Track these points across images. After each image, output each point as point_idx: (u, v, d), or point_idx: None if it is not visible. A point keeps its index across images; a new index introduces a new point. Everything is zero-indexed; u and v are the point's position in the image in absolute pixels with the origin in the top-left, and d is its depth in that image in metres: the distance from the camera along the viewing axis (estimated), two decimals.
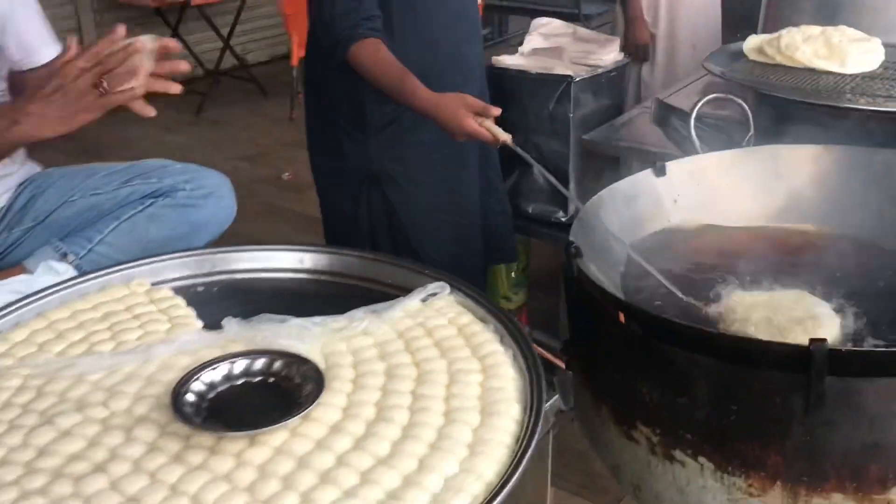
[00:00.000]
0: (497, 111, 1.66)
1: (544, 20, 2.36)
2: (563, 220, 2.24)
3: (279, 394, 1.04)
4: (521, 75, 2.12)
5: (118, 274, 1.33)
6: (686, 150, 2.00)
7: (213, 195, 1.53)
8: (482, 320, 1.23)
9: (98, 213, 1.66)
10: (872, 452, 1.02)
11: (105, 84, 1.19)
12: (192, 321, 1.23)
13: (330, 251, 1.43)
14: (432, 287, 1.29)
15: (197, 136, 4.99)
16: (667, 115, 2.17)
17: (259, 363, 1.08)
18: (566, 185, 2.19)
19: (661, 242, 1.53)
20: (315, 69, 1.93)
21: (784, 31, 1.87)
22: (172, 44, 1.26)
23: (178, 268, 1.38)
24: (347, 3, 1.74)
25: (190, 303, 1.29)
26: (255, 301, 1.32)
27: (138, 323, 1.21)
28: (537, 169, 1.51)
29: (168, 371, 1.08)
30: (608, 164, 2.20)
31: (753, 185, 1.60)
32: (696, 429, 1.12)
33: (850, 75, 1.73)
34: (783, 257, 1.44)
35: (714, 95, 1.66)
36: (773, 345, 1.03)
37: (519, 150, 1.62)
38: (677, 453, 1.15)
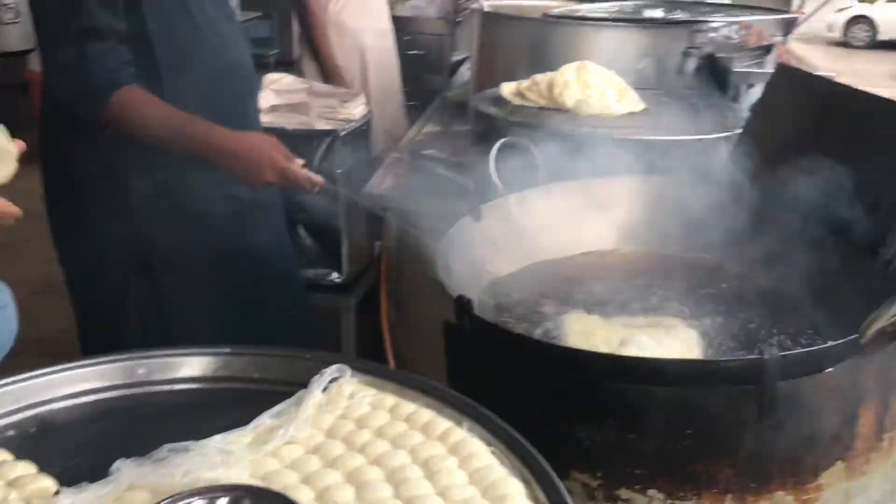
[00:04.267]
0: (302, 161, 1.55)
1: (275, 76, 2.23)
2: (339, 280, 2.13)
3: None
4: (277, 133, 1.96)
5: None
6: (441, 194, 2.04)
7: None
8: (407, 398, 1.09)
9: None
10: (808, 444, 1.11)
11: None
12: (45, 481, 0.91)
13: (177, 353, 1.17)
14: (330, 372, 1.12)
15: None
16: (420, 164, 2.18)
17: None
18: (339, 243, 2.08)
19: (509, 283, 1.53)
20: (57, 140, 1.57)
21: (540, 77, 2.00)
22: None
23: None
24: (100, 44, 1.45)
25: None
26: (92, 434, 1.03)
27: None
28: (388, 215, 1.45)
29: None
30: (377, 217, 2.15)
31: (559, 219, 1.67)
32: (646, 462, 1.11)
33: (619, 115, 1.91)
34: (621, 280, 1.52)
35: (505, 139, 1.70)
36: (725, 362, 1.06)
37: (340, 190, 1.54)
38: (622, 492, 1.14)
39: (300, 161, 1.55)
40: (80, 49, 1.43)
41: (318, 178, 1.51)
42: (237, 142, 1.52)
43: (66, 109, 1.49)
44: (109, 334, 1.65)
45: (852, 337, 1.06)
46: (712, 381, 1.06)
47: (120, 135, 1.53)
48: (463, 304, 1.23)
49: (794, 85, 1.64)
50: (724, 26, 2.23)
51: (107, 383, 1.12)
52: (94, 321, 1.69)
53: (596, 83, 1.92)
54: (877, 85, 12.49)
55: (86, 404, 1.09)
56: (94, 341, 1.69)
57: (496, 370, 1.22)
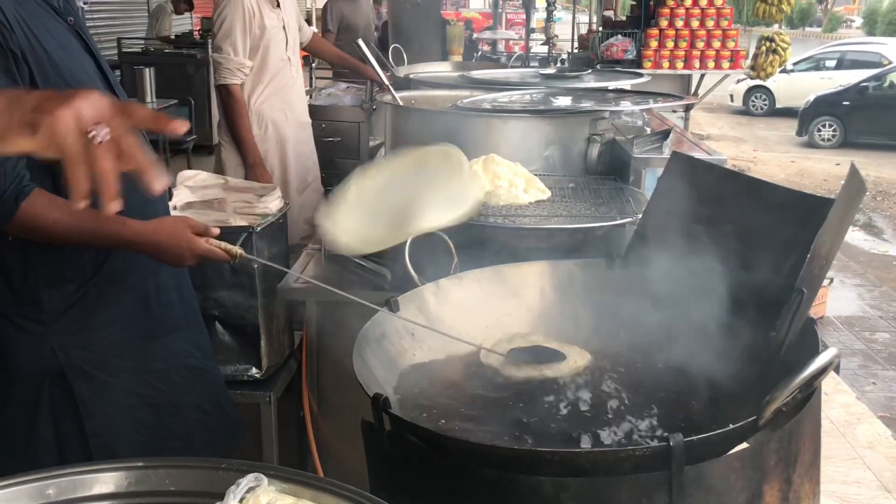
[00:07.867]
0: (217, 230, 1.62)
1: (190, 173, 2.23)
2: (259, 376, 2.10)
3: None
4: None
5: None
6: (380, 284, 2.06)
7: None
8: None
9: None
10: None
11: None
12: None
13: (88, 470, 1.13)
14: (246, 482, 1.11)
15: None
16: (337, 255, 2.20)
17: None
18: (256, 338, 2.07)
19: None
20: None
21: None
22: None
23: None
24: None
25: None
26: None
27: None
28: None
29: None
30: (295, 310, 2.15)
31: (474, 307, 1.71)
32: None
33: (527, 204, 1.98)
34: None
35: None
36: (633, 450, 1.10)
37: (258, 259, 1.63)
38: None
39: (216, 230, 1.62)
40: None
41: (236, 249, 1.59)
42: (153, 234, 1.56)
43: None
44: (19, 458, 1.58)
45: (751, 419, 1.11)
46: (623, 468, 1.09)
47: (30, 242, 1.52)
48: (379, 403, 1.24)
49: (688, 171, 1.73)
50: (625, 113, 2.35)
51: None
52: (2, 441, 1.61)
53: (504, 174, 2.00)
54: (776, 150, 13.20)
55: None
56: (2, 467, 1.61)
57: (415, 467, 1.23)
